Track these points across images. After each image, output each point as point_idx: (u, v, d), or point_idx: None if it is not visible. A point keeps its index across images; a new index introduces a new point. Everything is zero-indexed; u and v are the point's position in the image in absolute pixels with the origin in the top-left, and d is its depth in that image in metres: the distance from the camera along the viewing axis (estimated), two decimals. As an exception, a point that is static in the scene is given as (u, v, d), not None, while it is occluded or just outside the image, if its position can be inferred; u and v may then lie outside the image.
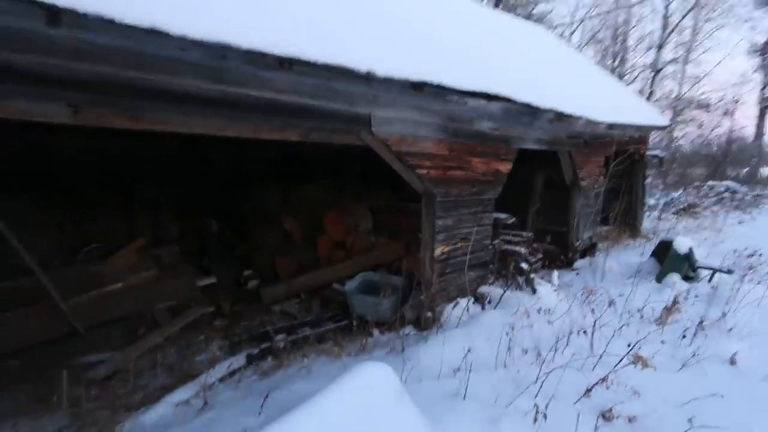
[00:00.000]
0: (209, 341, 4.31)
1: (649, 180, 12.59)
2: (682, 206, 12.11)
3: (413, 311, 4.24)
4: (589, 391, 2.72)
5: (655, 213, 11.19)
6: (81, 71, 2.04)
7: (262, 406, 2.57)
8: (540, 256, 5.91)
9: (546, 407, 2.37)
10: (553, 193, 6.91)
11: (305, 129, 3.06)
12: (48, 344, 3.99)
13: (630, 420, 2.62)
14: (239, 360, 3.67)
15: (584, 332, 3.45)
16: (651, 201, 12.42)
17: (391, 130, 3.51)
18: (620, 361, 2.90)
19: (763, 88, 20.60)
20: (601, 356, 3.13)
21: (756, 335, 3.90)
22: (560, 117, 4.94)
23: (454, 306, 4.29)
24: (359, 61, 2.66)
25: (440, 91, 3.31)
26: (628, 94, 9.97)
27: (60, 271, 4.58)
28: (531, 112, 4.54)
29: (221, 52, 2.14)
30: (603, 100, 7.04)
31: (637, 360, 2.78)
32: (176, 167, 7.09)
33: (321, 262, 6.04)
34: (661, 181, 15.40)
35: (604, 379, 2.73)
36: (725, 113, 19.42)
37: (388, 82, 2.93)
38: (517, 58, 5.75)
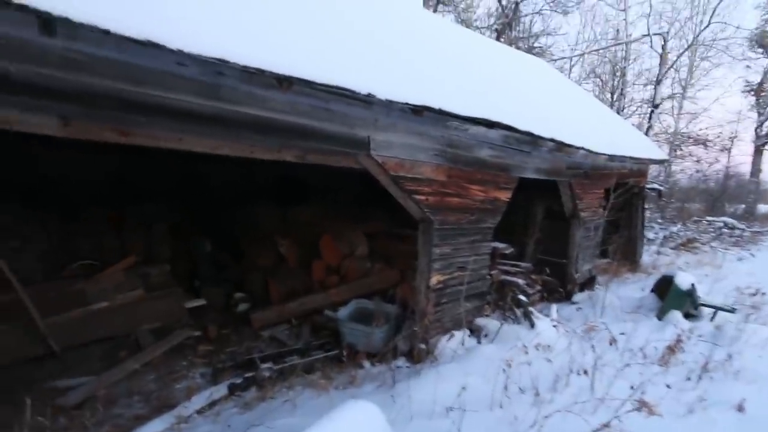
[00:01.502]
0: (192, 367, 4.12)
1: (647, 213, 12.58)
2: (681, 241, 12.04)
3: (406, 342, 4.07)
4: (590, 437, 2.55)
5: (654, 247, 11.11)
6: (73, 83, 1.97)
7: (239, 443, 2.39)
8: (538, 288, 5.78)
9: (545, 455, 2.20)
10: (553, 223, 6.83)
11: (302, 150, 3.00)
12: (22, 365, 3.80)
13: (635, 472, 2.44)
14: (221, 390, 3.48)
15: (584, 372, 3.29)
16: (650, 235, 12.35)
17: (389, 154, 3.45)
18: (623, 405, 2.74)
19: (758, 127, 20.92)
20: (603, 399, 2.97)
21: (764, 379, 3.72)
22: (560, 147, 4.92)
23: (449, 338, 4.12)
24: (359, 84, 2.63)
25: (440, 116, 3.28)
26: (627, 127, 10.07)
27: (41, 287, 4.42)
28: (531, 140, 4.52)
29: (218, 68, 2.10)
30: (603, 133, 7.08)
31: (642, 405, 2.62)
32: (172, 185, 7.02)
33: (315, 286, 5.88)
34: (660, 215, 15.39)
35: (606, 425, 2.57)
36: (722, 149, 19.70)
37: (388, 105, 2.90)
38: (518, 88, 5.81)
